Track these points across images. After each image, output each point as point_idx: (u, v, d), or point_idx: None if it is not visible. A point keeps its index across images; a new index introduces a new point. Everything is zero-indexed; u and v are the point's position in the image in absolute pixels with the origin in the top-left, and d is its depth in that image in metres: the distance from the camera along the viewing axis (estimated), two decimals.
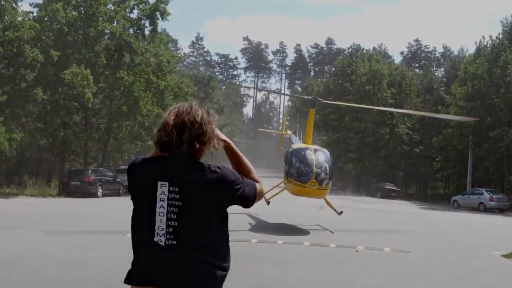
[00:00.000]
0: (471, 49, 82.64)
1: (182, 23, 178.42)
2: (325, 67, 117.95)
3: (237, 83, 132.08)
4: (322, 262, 10.78)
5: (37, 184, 34.97)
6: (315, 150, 16.97)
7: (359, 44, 68.87)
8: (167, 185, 2.52)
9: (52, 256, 10.08)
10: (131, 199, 2.67)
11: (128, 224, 2.65)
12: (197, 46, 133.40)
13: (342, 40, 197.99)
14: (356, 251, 12.41)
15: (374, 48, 72.97)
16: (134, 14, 37.70)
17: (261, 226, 17.11)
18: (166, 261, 2.49)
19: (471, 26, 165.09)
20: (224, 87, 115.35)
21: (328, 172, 16.42)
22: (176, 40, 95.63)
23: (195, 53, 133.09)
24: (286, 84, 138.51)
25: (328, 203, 18.02)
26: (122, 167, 38.29)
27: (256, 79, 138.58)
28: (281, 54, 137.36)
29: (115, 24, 36.05)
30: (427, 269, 10.41)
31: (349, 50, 71.01)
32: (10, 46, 30.18)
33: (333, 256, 11.63)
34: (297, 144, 19.54)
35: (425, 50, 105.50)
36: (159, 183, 2.52)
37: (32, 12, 35.10)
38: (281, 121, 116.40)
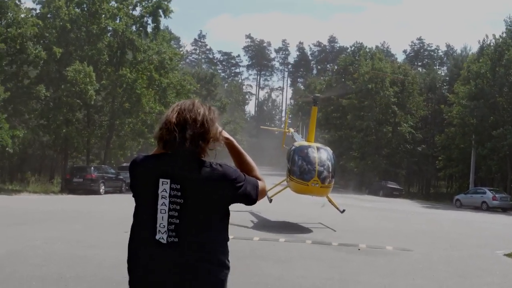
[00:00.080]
0: (474, 48, 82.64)
1: (185, 21, 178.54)
2: (328, 65, 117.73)
3: (240, 81, 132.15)
4: (324, 260, 10.78)
5: (39, 180, 35.05)
6: (318, 148, 16.96)
7: (361, 43, 68.83)
8: (169, 182, 2.51)
9: (54, 253, 10.10)
10: (133, 196, 2.66)
11: (131, 221, 2.64)
12: (200, 43, 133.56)
13: (344, 39, 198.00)
14: (359, 249, 12.40)
15: (376, 47, 72.93)
16: (137, 12, 37.73)
17: (263, 224, 17.11)
18: (167, 260, 2.48)
19: (474, 25, 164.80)
20: (226, 84, 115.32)
21: (330, 170, 16.40)
22: (179, 38, 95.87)
23: (198, 51, 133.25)
24: (289, 82, 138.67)
25: (330, 201, 18.01)
26: (124, 164, 38.34)
27: (258, 77, 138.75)
28: (284, 52, 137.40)
29: (117, 21, 36.06)
30: (429, 268, 10.39)
31: (352, 49, 70.92)
32: (13, 43, 30.18)
33: (335, 255, 11.62)
34: (300, 142, 19.53)
35: (428, 48, 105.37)
36: (161, 180, 2.52)
37: (35, 9, 35.14)
38: (283, 119, 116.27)
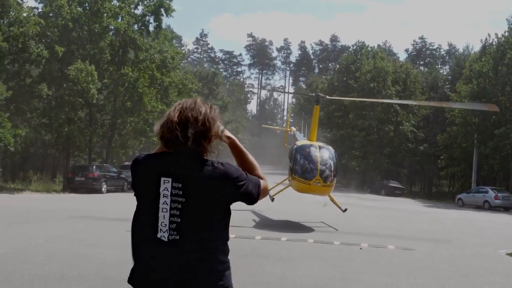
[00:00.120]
0: (476, 47, 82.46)
1: (187, 20, 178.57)
2: (330, 64, 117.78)
3: (241, 79, 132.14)
4: (326, 259, 10.77)
5: (41, 179, 35.14)
6: (320, 147, 16.93)
7: (363, 42, 68.70)
8: (170, 181, 2.51)
9: (56, 251, 10.11)
10: (135, 195, 2.66)
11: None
12: (202, 42, 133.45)
13: (346, 37, 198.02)
14: (360, 248, 12.39)
15: (378, 46, 72.80)
16: (139, 10, 37.76)
17: (265, 223, 17.10)
18: (168, 259, 2.48)
19: (476, 23, 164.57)
20: (228, 83, 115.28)
21: (332, 169, 16.38)
22: (181, 37, 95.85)
23: (200, 50, 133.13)
24: (290, 81, 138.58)
25: (332, 200, 17.99)
26: (126, 163, 38.39)
27: (260, 76, 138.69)
28: (286, 51, 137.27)
29: (119, 20, 36.09)
30: (431, 267, 10.38)
31: (354, 47, 70.80)
32: (15, 41, 30.20)
33: (337, 254, 11.61)
34: (302, 141, 19.50)
35: (430, 47, 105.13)
36: (162, 179, 2.52)
37: (37, 8, 35.22)
38: (285, 118, 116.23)
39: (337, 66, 79.84)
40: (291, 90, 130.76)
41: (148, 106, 35.84)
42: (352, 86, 58.54)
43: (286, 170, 19.99)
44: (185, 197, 2.49)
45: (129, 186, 31.75)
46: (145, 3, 37.22)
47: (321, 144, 17.86)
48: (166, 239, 2.49)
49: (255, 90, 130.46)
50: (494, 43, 45.53)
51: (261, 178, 2.74)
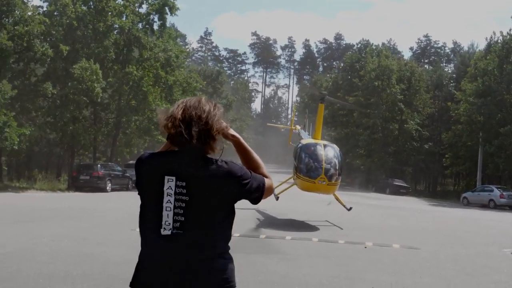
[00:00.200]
0: (481, 45, 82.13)
1: (191, 18, 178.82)
2: (334, 63, 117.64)
3: (246, 78, 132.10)
4: (331, 258, 10.75)
5: (46, 178, 35.20)
6: (325, 146, 16.88)
7: (368, 40, 68.61)
8: (174, 180, 2.49)
9: (61, 250, 10.12)
10: (139, 194, 2.65)
11: (137, 218, 2.63)
12: (206, 41, 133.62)
13: (351, 36, 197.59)
14: (365, 247, 12.37)
15: (383, 44, 72.68)
16: (143, 9, 37.84)
17: (269, 222, 17.10)
18: (169, 258, 2.46)
19: (481, 22, 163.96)
20: (232, 82, 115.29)
21: (337, 167, 16.34)
22: (185, 35, 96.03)
23: (204, 48, 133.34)
24: (295, 79, 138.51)
25: (337, 199, 17.96)
26: (131, 161, 38.42)
27: (264, 74, 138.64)
28: (290, 50, 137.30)
29: (124, 19, 36.16)
30: (436, 266, 10.34)
31: (358, 46, 70.69)
32: (20, 40, 30.28)
33: (342, 252, 11.59)
34: (307, 139, 19.47)
35: (435, 46, 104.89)
36: (166, 177, 2.50)
37: (42, 7, 35.35)
38: (289, 116, 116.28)
39: (342, 65, 79.70)
40: (296, 88, 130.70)
41: (153, 105, 35.83)
42: (357, 85, 58.43)
43: (290, 168, 19.96)
44: (189, 196, 2.48)
45: (133, 185, 31.80)
46: (150, 1, 37.29)
47: (326, 142, 17.81)
48: (169, 238, 2.47)
49: (259, 88, 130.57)
50: (499, 41, 45.34)
51: (266, 177, 2.73)
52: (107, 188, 31.13)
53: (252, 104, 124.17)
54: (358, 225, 17.20)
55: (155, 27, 37.80)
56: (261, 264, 9.54)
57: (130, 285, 2.59)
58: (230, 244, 2.63)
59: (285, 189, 18.61)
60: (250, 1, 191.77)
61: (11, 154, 33.18)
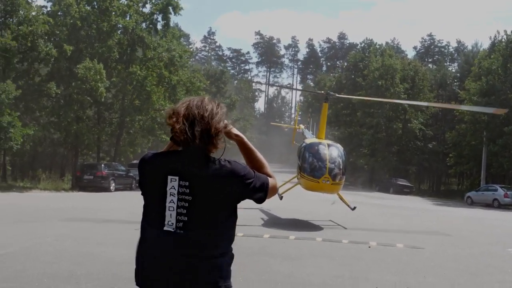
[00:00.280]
0: (485, 44, 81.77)
1: (194, 18, 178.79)
2: (338, 62, 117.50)
3: (249, 77, 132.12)
4: (335, 258, 10.73)
5: (50, 178, 35.30)
6: (329, 145, 16.84)
7: (371, 39, 68.38)
8: (177, 180, 2.49)
9: (65, 250, 10.14)
10: (142, 194, 2.65)
11: (141, 218, 2.63)
12: (209, 40, 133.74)
13: (354, 35, 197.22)
14: (369, 247, 12.35)
15: (387, 43, 72.52)
16: (147, 9, 37.92)
17: (273, 221, 17.09)
18: (169, 258, 2.46)
19: (480, 22, 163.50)
20: (236, 81, 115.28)
21: (341, 167, 16.31)
22: (188, 35, 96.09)
23: (207, 48, 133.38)
24: (298, 79, 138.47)
25: (341, 198, 17.92)
26: (134, 161, 38.45)
27: (268, 74, 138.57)
28: (293, 49, 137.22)
29: (128, 18, 36.20)
30: (440, 266, 10.32)
31: (362, 45, 70.49)
32: (24, 40, 30.38)
33: (346, 252, 11.57)
34: (310, 139, 19.45)
35: (439, 45, 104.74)
36: (169, 177, 2.50)
37: (46, 7, 35.51)
38: (293, 116, 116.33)
39: (345, 64, 79.59)
40: (299, 87, 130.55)
41: (156, 105, 35.90)
42: (360, 84, 58.32)
43: (294, 168, 19.95)
44: (192, 195, 2.48)
45: (137, 185, 31.77)
46: (153, 1, 37.36)
47: (330, 142, 17.76)
48: (171, 238, 2.47)
49: (263, 88, 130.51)
50: (503, 40, 45.19)
51: (270, 176, 2.72)
52: (111, 187, 31.16)
53: (255, 103, 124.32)
54: (362, 225, 17.18)
55: (159, 26, 37.88)
56: (264, 263, 9.54)
57: (137, 284, 2.59)
58: (234, 243, 2.62)
59: (289, 189, 18.58)
60: (253, 1, 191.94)
61: (15, 154, 33.26)
